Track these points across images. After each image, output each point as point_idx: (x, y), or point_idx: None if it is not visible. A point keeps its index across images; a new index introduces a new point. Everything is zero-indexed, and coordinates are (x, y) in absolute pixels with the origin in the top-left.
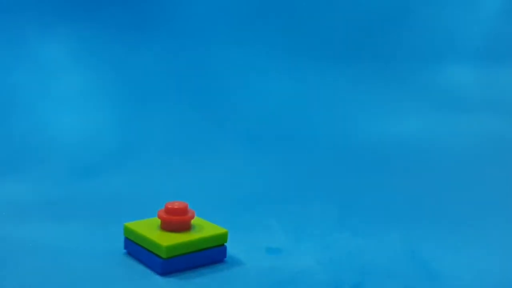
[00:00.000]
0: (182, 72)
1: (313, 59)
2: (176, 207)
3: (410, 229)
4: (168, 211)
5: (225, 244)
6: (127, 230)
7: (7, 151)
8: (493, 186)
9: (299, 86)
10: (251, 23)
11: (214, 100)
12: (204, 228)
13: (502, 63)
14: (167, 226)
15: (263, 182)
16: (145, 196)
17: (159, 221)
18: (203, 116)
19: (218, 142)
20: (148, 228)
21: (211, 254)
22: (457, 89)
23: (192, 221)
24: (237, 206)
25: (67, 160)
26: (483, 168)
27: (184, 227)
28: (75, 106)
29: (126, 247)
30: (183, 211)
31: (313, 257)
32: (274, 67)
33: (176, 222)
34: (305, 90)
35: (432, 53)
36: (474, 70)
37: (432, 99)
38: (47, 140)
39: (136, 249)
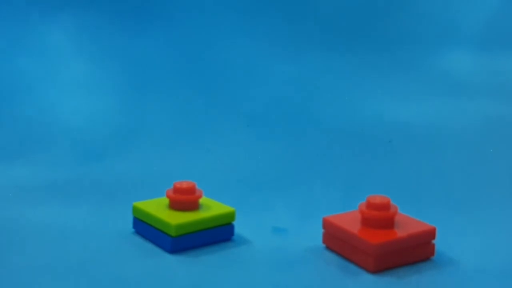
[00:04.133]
0: (186, 58)
1: (316, 45)
2: (184, 186)
3: (414, 211)
4: (177, 190)
5: (232, 223)
6: (136, 210)
7: (14, 135)
8: (495, 169)
9: (302, 71)
10: (255, 10)
11: (219, 85)
12: (212, 207)
13: (504, 48)
14: (176, 205)
15: (269, 165)
16: (150, 178)
17: (167, 200)
18: (208, 100)
19: (223, 127)
20: (157, 207)
21: (219, 233)
22: (459, 74)
23: (200, 201)
24: (243, 188)
25: (73, 144)
26: (485, 151)
27: (193, 206)
28: (80, 91)
29: (134, 226)
30: (191, 190)
31: (318, 236)
32: (278, 54)
33: (184, 201)
34: (308, 76)
35: (435, 39)
36: (477, 56)
37: (435, 84)
38: (52, 125)
39: (145, 228)
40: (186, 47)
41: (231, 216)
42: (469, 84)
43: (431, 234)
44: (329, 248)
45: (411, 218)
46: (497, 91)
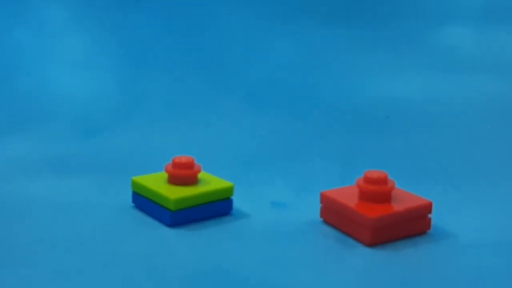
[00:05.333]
0: (184, 32)
1: (314, 19)
2: (183, 161)
3: (411, 185)
4: (176, 165)
5: (231, 197)
6: (135, 184)
7: (12, 110)
8: (492, 145)
9: (300, 46)
10: None
11: (216, 60)
12: (211, 182)
13: (503, 24)
14: (175, 180)
15: (267, 141)
16: (149, 152)
17: (166, 175)
18: (207, 76)
19: (220, 102)
20: (156, 182)
21: (217, 207)
22: (459, 50)
23: (199, 175)
24: (242, 163)
25: (72, 119)
26: (483, 127)
27: (191, 180)
28: (78, 66)
29: (134, 200)
30: (190, 165)
31: (316, 211)
32: (277, 30)
33: (183, 175)
34: (306, 51)
35: (435, 14)
36: (477, 32)
37: (433, 59)
38: (51, 100)
39: (144, 202)
40: (185, 22)
41: (229, 190)
42: (469, 60)
43: (427, 208)
44: (326, 222)
45: (408, 193)
46: (497, 67)
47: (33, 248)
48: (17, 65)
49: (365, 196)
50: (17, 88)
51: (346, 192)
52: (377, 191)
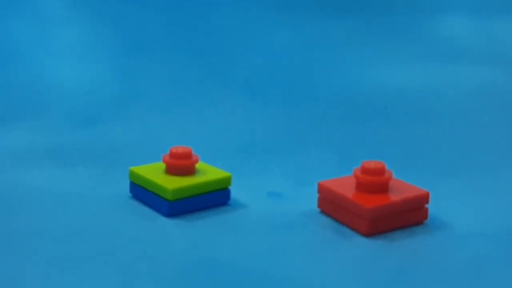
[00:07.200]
0: (181, 23)
1: (313, 11)
2: (180, 151)
3: (408, 176)
4: (173, 155)
5: (228, 187)
6: (132, 174)
7: (9, 100)
8: (490, 136)
9: (298, 37)
10: None
11: (213, 50)
12: (208, 172)
13: (504, 15)
14: (172, 170)
15: (265, 131)
16: (147, 143)
17: (163, 165)
18: (203, 66)
19: (218, 93)
20: (154, 172)
21: (215, 197)
22: (457, 40)
23: (196, 166)
24: (239, 153)
25: (68, 110)
26: (482, 118)
27: (189, 171)
28: (74, 56)
29: (131, 191)
30: (188, 155)
31: (313, 201)
32: (274, 20)
33: (181, 166)
34: (304, 41)
35: (432, 4)
36: (475, 22)
37: (432, 50)
38: (48, 90)
39: (142, 192)
40: (182, 12)
41: (227, 181)
42: (467, 51)
43: (424, 198)
44: (324, 212)
45: (405, 183)
46: (495, 58)
47: (30, 239)
48: (13, 55)
49: (362, 186)
50: (13, 79)
51: (344, 182)
52: (374, 182)
